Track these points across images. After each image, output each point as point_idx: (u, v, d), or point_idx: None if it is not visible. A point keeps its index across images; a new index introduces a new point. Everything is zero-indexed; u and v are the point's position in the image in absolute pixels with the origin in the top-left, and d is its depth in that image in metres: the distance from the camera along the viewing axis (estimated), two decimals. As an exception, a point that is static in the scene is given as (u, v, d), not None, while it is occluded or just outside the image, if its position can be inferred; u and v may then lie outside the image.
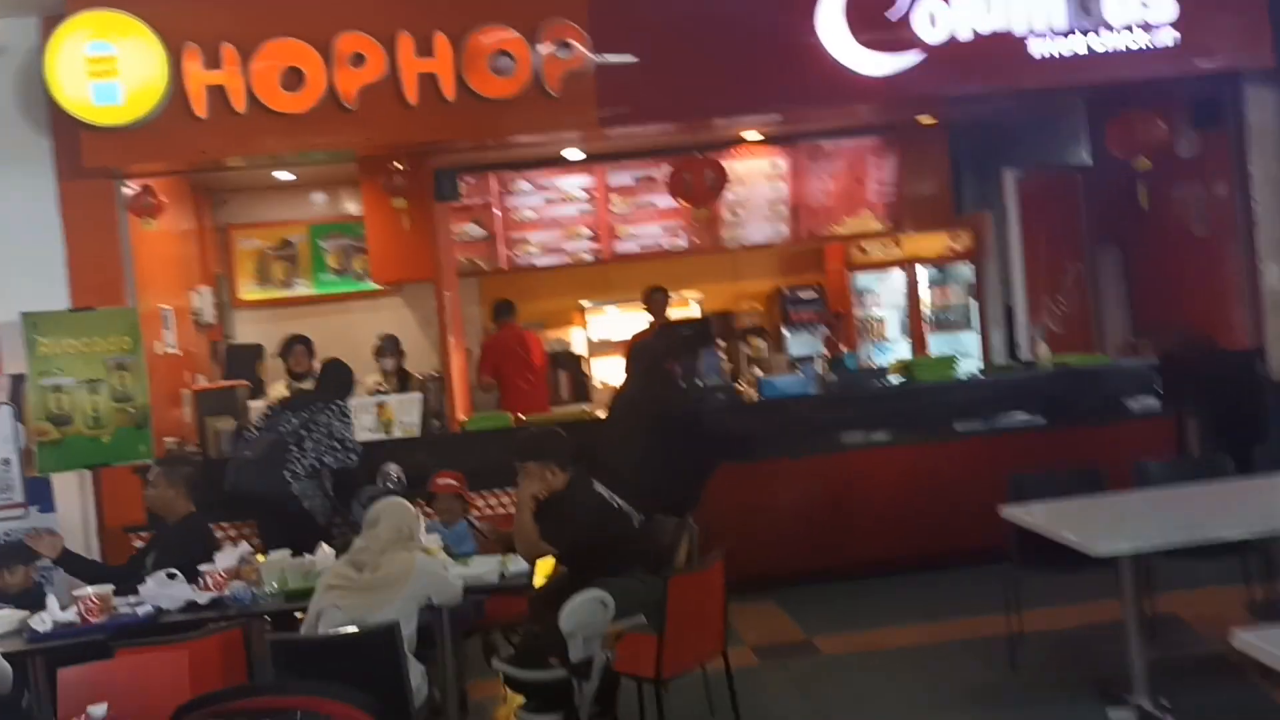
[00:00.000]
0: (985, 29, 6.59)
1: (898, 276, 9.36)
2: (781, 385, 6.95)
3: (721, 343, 8.39)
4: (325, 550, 4.58)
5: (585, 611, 3.68)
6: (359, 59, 6.29)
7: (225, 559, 4.47)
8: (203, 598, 4.28)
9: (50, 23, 6.19)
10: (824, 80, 6.58)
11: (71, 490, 6.36)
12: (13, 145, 6.46)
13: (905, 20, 6.52)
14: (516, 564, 4.53)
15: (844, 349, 8.81)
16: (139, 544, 5.85)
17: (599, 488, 4.71)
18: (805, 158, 8.91)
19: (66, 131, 6.34)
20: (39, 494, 6.19)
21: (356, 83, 6.27)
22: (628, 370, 6.45)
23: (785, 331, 9.16)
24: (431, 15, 6.35)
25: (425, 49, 6.33)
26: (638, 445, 5.88)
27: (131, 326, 6.29)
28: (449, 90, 6.32)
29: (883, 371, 7.32)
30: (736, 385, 7.40)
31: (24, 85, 6.38)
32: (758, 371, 7.85)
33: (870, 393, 7.08)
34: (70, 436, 6.10)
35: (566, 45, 6.43)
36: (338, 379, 6.20)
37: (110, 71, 6.12)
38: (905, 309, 9.37)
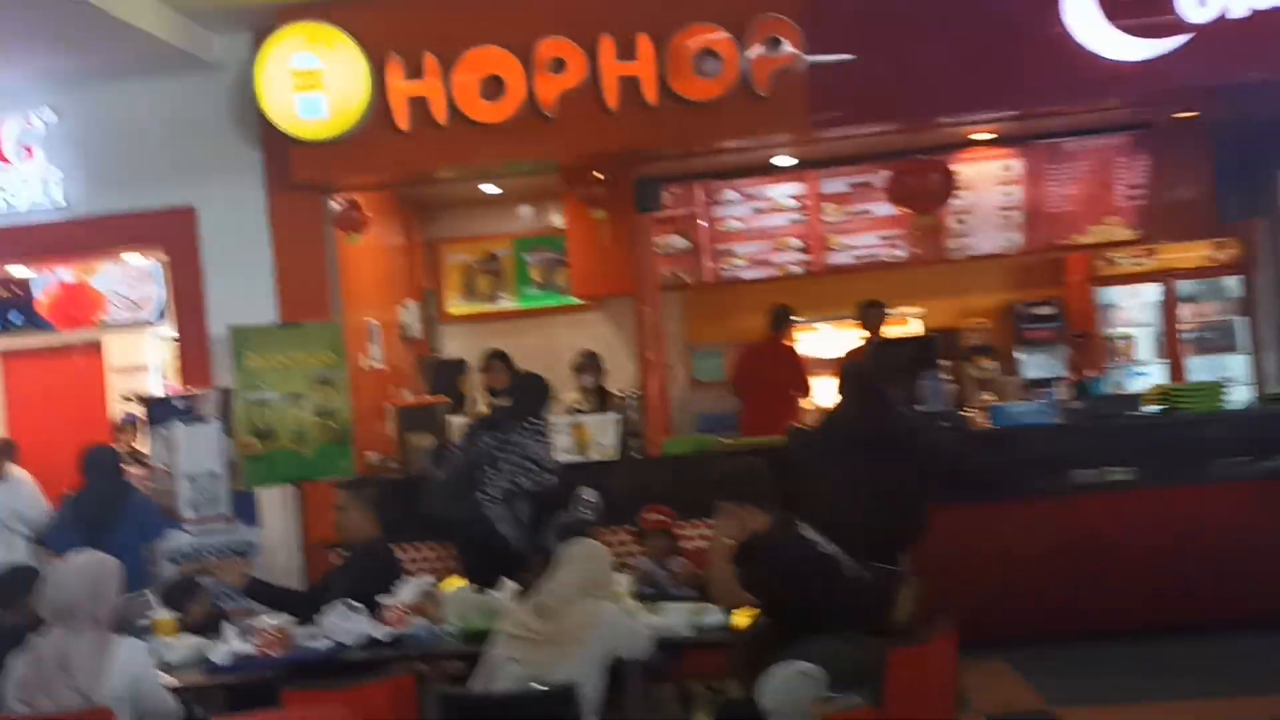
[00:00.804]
0: (1265, 4, 5.68)
1: (1150, 291, 8.34)
2: (1018, 413, 6.19)
3: (945, 363, 7.66)
4: (508, 586, 4.26)
5: (790, 689, 3.18)
6: (559, 65, 6.04)
7: (406, 591, 4.22)
8: (382, 633, 4.05)
9: (262, 37, 6.23)
10: (1068, 69, 5.86)
11: (276, 505, 6.38)
12: (226, 159, 6.56)
13: (1168, -3, 5.71)
14: (712, 613, 4.07)
15: (1088, 373, 7.88)
16: (337, 561, 5.77)
17: (806, 531, 4.20)
18: (1043, 159, 8.08)
19: (277, 145, 6.39)
20: (244, 508, 6.23)
21: (556, 89, 6.01)
22: (838, 393, 5.89)
23: (1018, 352, 8.30)
24: (635, 17, 6.03)
25: (627, 52, 6.01)
26: (847, 476, 5.32)
27: (335, 341, 6.24)
28: (651, 94, 5.97)
29: (1136, 399, 6.43)
30: (963, 412, 6.69)
31: (237, 100, 6.46)
32: (986, 396, 7.10)
33: (1121, 424, 6.21)
34: (274, 451, 6.08)
35: (777, 43, 5.96)
36: (532, 395, 5.87)
37: (315, 84, 6.10)
38: (1159, 328, 8.34)
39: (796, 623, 3.95)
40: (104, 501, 5.97)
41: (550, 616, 3.52)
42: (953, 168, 7.44)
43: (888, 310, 7.80)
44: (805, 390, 7.84)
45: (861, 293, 7.88)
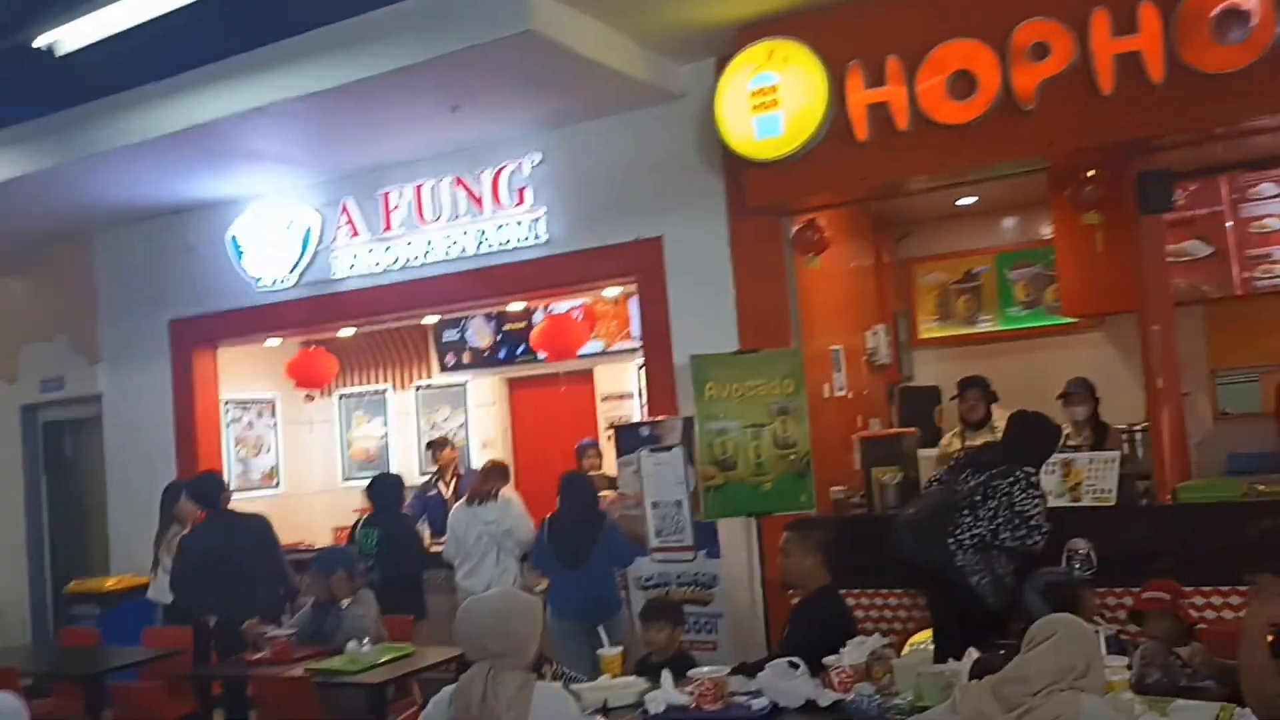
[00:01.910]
0: None
1: None
2: None
3: None
4: (971, 656, 3.62)
5: None
6: (1040, 50, 5.28)
7: (854, 652, 3.75)
8: (824, 698, 3.61)
9: (724, 62, 6.15)
10: None
11: (738, 537, 6.21)
12: (691, 188, 6.57)
13: None
14: (1243, 717, 3.14)
15: None
16: (795, 600, 5.44)
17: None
18: None
19: (737, 170, 6.27)
20: (707, 539, 6.15)
21: (1035, 78, 5.25)
22: None
23: None
24: (1137, -17, 5.11)
25: (1126, 25, 5.10)
26: None
27: (794, 369, 5.95)
28: (1155, 71, 5.00)
29: None
30: None
31: (702, 128, 6.43)
32: None
33: None
34: (733, 482, 5.92)
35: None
36: (1029, 438, 5.03)
37: (772, 103, 5.89)
38: None
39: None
40: (579, 525, 6.19)
41: (1015, 705, 2.86)
42: None
43: None
44: None
45: None
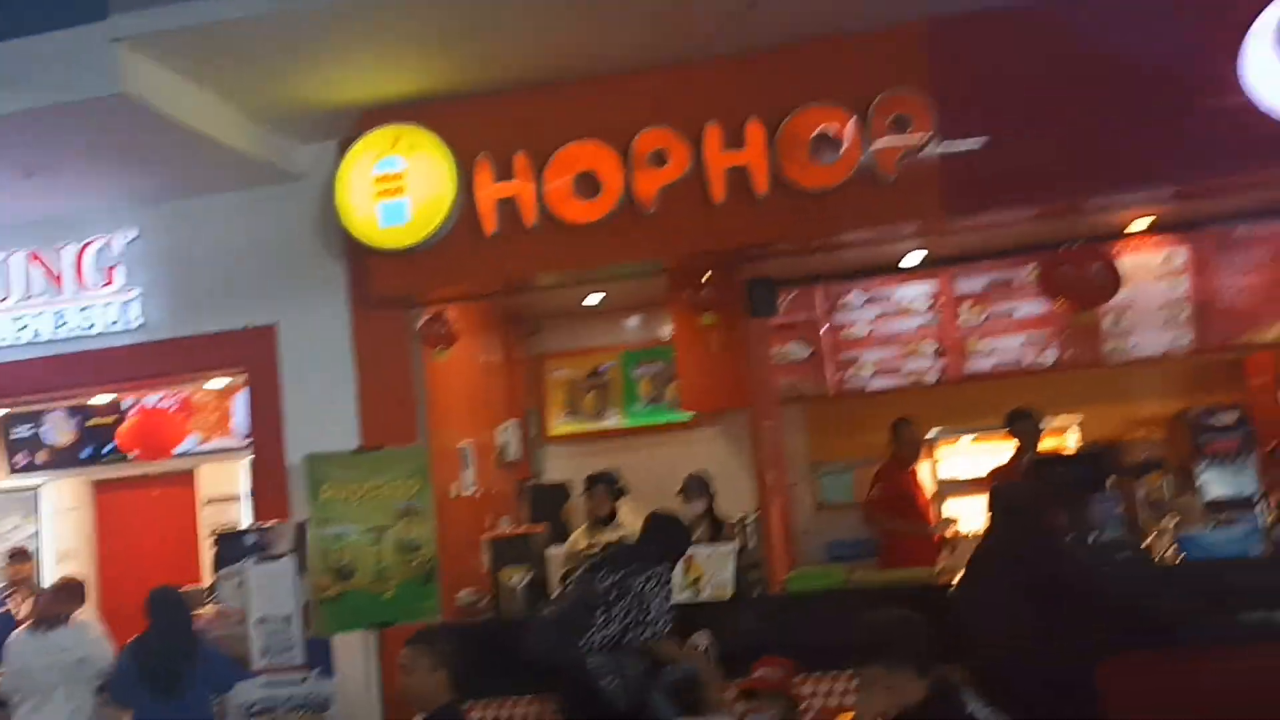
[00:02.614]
0: None
1: (1354, 392, 7.18)
2: (1213, 543, 5.19)
3: (1111, 482, 6.65)
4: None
5: None
6: (659, 158, 5.49)
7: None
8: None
9: (346, 145, 5.88)
10: (1248, 134, 5.03)
11: (356, 653, 5.74)
12: (310, 275, 6.19)
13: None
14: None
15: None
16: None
17: (972, 701, 3.33)
18: (1212, 248, 7.13)
19: (360, 258, 5.98)
20: (320, 656, 5.60)
21: (655, 184, 5.45)
22: (990, 519, 4.99)
23: (1198, 468, 7.19)
24: (743, 103, 5.48)
25: (735, 140, 5.43)
26: (1003, 622, 4.42)
27: (420, 467, 5.65)
28: (761, 184, 5.36)
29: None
30: (1141, 540, 5.68)
31: (322, 212, 6.09)
32: (1166, 522, 6.04)
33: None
34: (352, 591, 5.48)
35: (902, 123, 5.31)
36: (666, 539, 5.14)
37: (398, 189, 5.69)
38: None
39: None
40: (169, 648, 5.47)
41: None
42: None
43: (1040, 421, 6.87)
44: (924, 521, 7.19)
45: (1007, 401, 6.98)
